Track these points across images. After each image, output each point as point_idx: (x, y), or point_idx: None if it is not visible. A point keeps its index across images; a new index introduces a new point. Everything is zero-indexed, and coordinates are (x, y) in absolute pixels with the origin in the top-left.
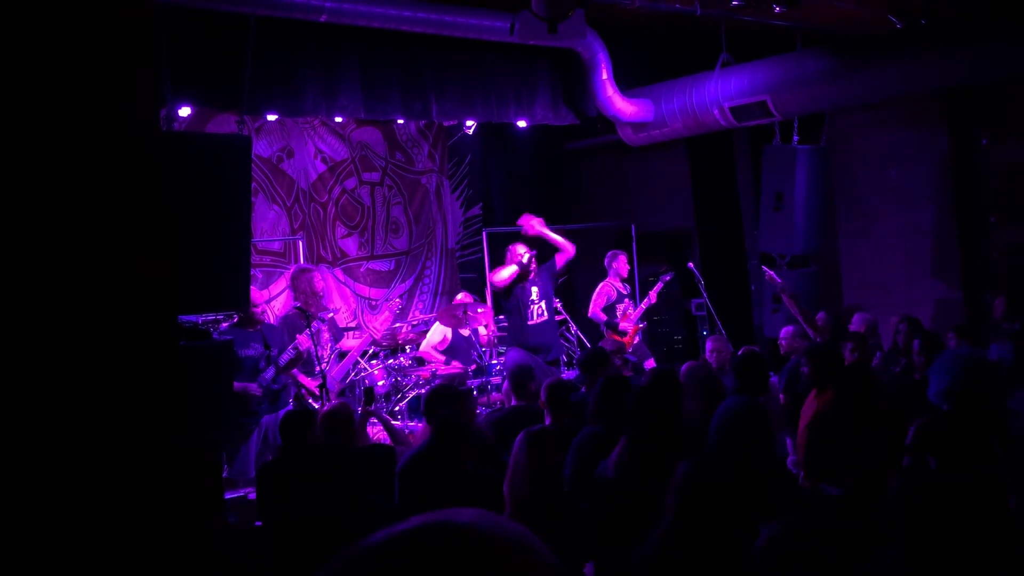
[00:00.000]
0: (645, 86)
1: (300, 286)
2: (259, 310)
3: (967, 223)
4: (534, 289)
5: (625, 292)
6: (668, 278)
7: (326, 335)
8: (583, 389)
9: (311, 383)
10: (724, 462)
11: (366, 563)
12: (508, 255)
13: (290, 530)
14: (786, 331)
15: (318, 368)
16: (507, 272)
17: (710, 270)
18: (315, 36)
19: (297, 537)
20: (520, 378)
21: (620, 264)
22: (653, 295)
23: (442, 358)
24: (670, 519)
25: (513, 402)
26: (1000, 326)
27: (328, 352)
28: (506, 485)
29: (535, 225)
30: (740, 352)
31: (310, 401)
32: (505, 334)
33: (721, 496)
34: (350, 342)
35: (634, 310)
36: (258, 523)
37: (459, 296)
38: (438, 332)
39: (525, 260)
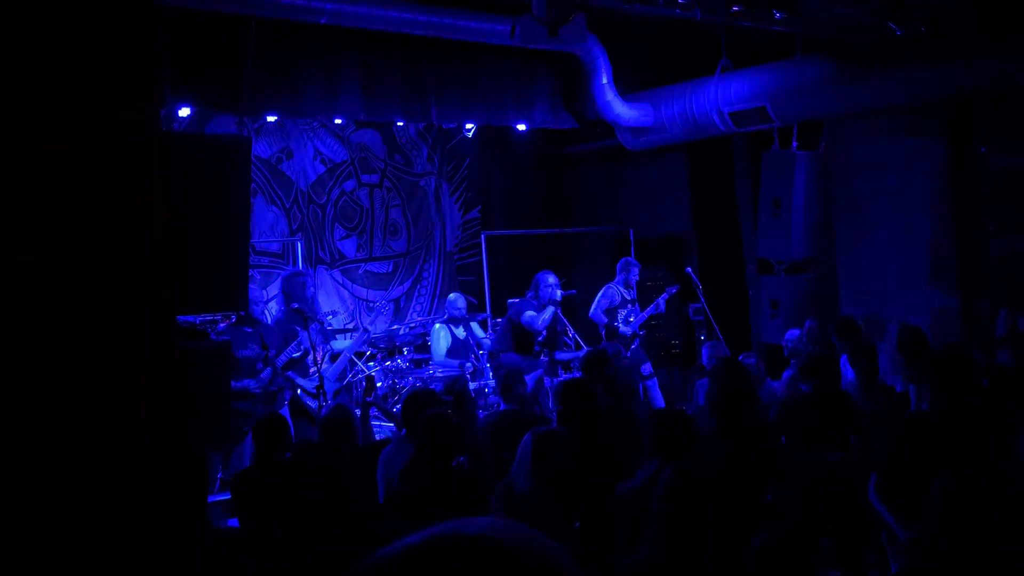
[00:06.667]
0: (645, 91)
1: (292, 290)
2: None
3: (965, 231)
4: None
5: (629, 298)
6: (674, 290)
7: (317, 339)
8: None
9: (308, 384)
10: (707, 469)
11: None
12: (539, 288)
13: (269, 536)
14: (791, 334)
15: (312, 370)
16: (548, 314)
17: (708, 275)
18: (315, 38)
19: (276, 543)
20: (508, 381)
21: (632, 274)
22: (661, 304)
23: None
24: (655, 528)
25: (503, 406)
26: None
27: (321, 355)
28: (502, 484)
29: None
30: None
31: (308, 401)
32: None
33: (705, 503)
34: (341, 343)
35: (636, 317)
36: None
37: (451, 296)
38: (441, 339)
39: (559, 298)
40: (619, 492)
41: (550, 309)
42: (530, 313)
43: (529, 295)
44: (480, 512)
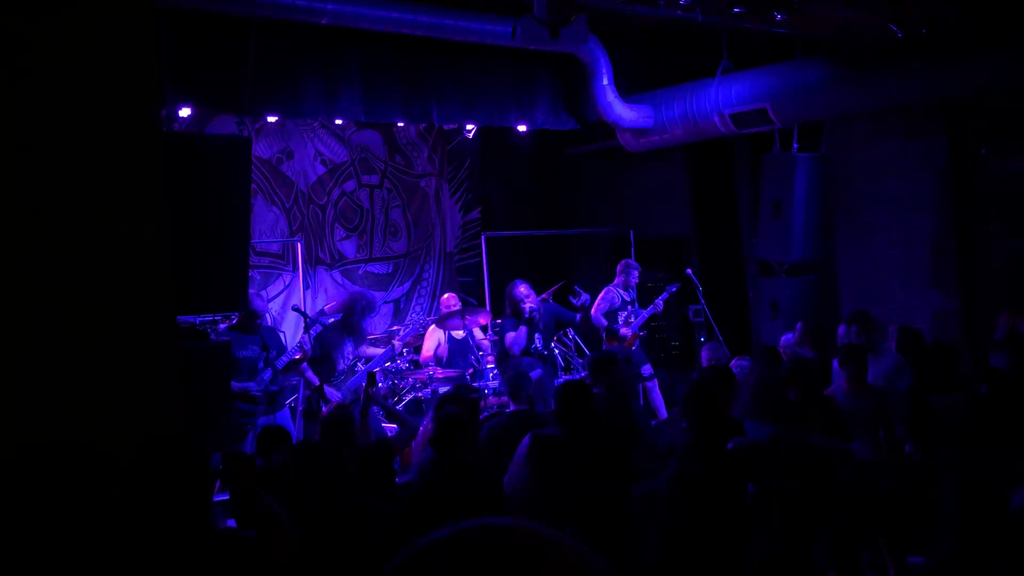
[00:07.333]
0: (645, 92)
1: (353, 309)
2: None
3: (966, 233)
4: (535, 337)
5: (629, 299)
6: (674, 289)
7: (349, 345)
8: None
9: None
10: (711, 475)
11: (421, 563)
12: (513, 303)
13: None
14: (786, 339)
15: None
16: (522, 335)
17: (708, 277)
18: (316, 38)
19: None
20: (516, 382)
21: (631, 276)
22: (660, 304)
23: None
24: (663, 531)
25: (512, 407)
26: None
27: (349, 361)
28: (506, 486)
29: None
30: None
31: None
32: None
33: (710, 507)
34: (371, 350)
35: (636, 319)
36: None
37: (444, 297)
38: (432, 338)
39: (528, 313)
40: (635, 493)
41: (523, 329)
42: (510, 335)
43: (507, 311)
44: (496, 509)
